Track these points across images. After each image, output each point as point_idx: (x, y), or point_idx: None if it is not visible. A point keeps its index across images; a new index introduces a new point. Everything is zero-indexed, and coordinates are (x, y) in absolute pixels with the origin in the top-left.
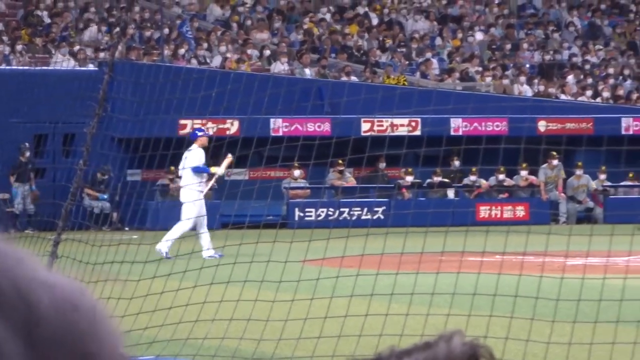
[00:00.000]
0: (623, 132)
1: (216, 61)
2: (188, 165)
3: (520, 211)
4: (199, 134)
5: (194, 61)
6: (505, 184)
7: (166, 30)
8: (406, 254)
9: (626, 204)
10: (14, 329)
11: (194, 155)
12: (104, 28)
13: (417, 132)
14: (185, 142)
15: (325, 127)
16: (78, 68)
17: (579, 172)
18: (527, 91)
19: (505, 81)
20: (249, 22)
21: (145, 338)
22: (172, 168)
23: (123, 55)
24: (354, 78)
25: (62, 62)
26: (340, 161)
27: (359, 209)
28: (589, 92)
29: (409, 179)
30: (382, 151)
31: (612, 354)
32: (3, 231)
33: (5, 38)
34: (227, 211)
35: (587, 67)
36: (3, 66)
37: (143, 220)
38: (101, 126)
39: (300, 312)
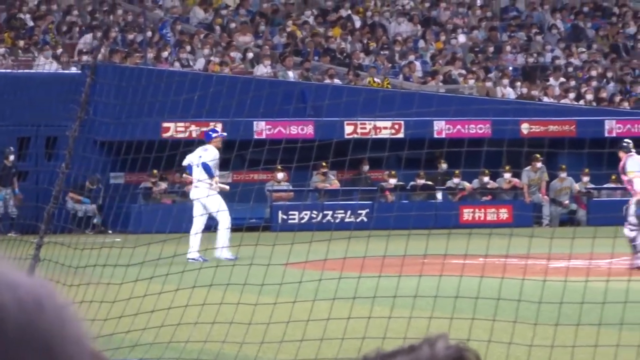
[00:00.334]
0: (606, 135)
1: (199, 64)
2: (203, 161)
3: (504, 214)
4: (214, 135)
5: (177, 64)
6: (488, 186)
7: (149, 33)
8: (389, 256)
9: (609, 206)
10: None
11: (209, 154)
12: (90, 34)
13: (401, 135)
14: (168, 145)
15: (308, 130)
16: (61, 71)
17: (562, 174)
18: (510, 94)
19: (488, 84)
20: (232, 25)
21: (128, 341)
22: (155, 171)
23: (106, 58)
24: (337, 81)
25: (44, 65)
26: (324, 164)
27: (342, 211)
28: (572, 95)
29: (392, 181)
30: (366, 154)
31: (595, 356)
32: None
33: None
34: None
35: (570, 69)
36: None
37: (126, 223)
38: (83, 129)
39: (282, 315)
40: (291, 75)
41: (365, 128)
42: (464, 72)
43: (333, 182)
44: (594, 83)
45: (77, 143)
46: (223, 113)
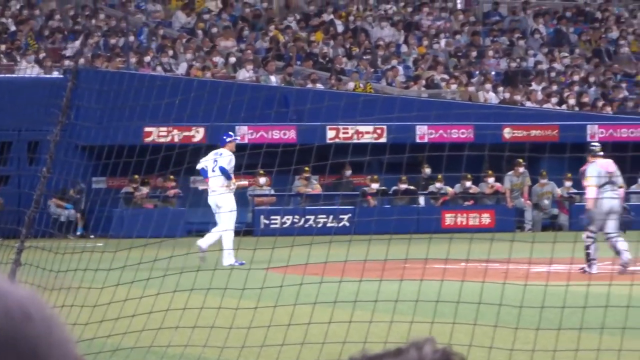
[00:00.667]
0: (588, 139)
1: (182, 68)
2: (220, 165)
3: (486, 218)
4: (227, 139)
5: (159, 68)
6: (471, 191)
7: (131, 38)
8: (370, 261)
9: None
10: None
11: (225, 159)
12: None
13: (383, 140)
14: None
15: (290, 135)
16: (43, 75)
17: (542, 180)
18: (493, 98)
19: (471, 88)
20: (214, 30)
21: (109, 345)
22: (136, 176)
23: (89, 63)
24: (319, 85)
25: (26, 69)
26: (306, 168)
27: (324, 216)
28: (554, 99)
29: (375, 186)
30: (348, 158)
31: None
32: None
33: None
34: (191, 218)
35: (553, 74)
36: None
37: (107, 227)
38: (65, 134)
39: (263, 319)
40: (273, 79)
41: (347, 133)
42: (446, 76)
43: (315, 187)
44: (577, 88)
45: (58, 147)
46: (205, 117)
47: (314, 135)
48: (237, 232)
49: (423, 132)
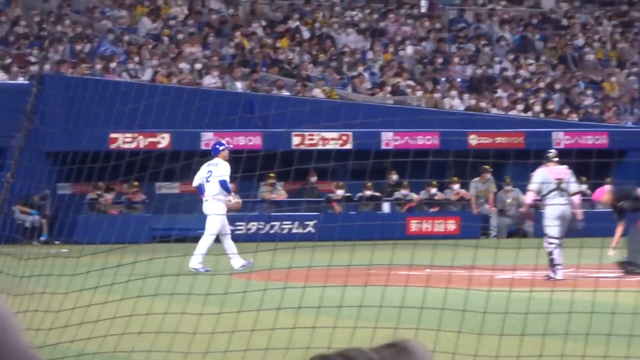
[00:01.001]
0: (554, 146)
1: (147, 75)
2: (216, 176)
3: (452, 225)
4: (220, 148)
5: (124, 75)
6: (436, 197)
7: (97, 44)
8: (334, 267)
9: None
10: None
11: (222, 169)
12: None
13: (348, 146)
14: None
15: (256, 141)
16: (8, 81)
17: (507, 187)
18: (459, 105)
19: (437, 95)
20: (180, 36)
21: (73, 351)
22: (100, 183)
23: (54, 69)
24: (285, 92)
25: None
26: (271, 174)
27: (289, 222)
28: (520, 106)
29: (340, 192)
30: (313, 165)
31: None
32: None
33: None
34: (156, 224)
35: (519, 81)
36: None
37: (72, 233)
38: (30, 139)
39: (227, 324)
40: (239, 86)
41: (313, 139)
42: (412, 83)
43: (280, 193)
44: (542, 94)
45: (23, 153)
46: (169, 124)
47: (279, 141)
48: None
49: (388, 139)
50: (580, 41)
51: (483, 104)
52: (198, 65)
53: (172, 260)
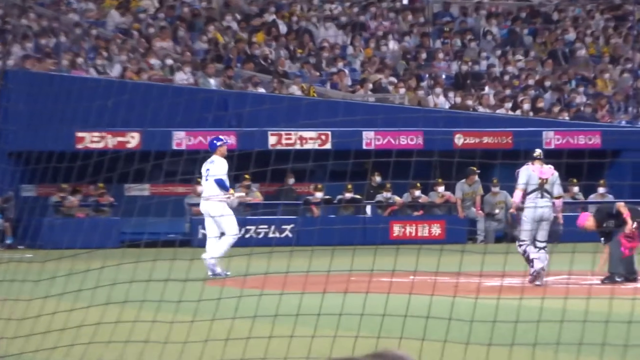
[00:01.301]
0: (544, 146)
1: (116, 71)
2: (212, 175)
3: (436, 229)
4: (218, 143)
5: (92, 70)
6: (420, 200)
7: (63, 39)
8: (313, 273)
9: None
10: None
11: (218, 167)
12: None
13: (328, 146)
14: (80, 156)
15: (230, 141)
16: None
17: (494, 188)
18: (444, 103)
19: (420, 92)
20: (151, 30)
21: None
22: (64, 185)
23: (18, 64)
24: (261, 89)
25: None
26: (246, 176)
27: (265, 226)
28: (508, 104)
29: (319, 195)
30: (291, 166)
31: None
32: None
33: None
34: (125, 228)
35: (506, 77)
36: None
37: (36, 237)
38: None
39: (200, 333)
40: (213, 82)
41: (290, 139)
42: (394, 80)
43: (256, 196)
44: (532, 92)
45: None
46: (139, 122)
47: (255, 141)
48: (172, 242)
49: (370, 138)
50: (571, 36)
51: (469, 102)
52: (169, 61)
53: (142, 265)
